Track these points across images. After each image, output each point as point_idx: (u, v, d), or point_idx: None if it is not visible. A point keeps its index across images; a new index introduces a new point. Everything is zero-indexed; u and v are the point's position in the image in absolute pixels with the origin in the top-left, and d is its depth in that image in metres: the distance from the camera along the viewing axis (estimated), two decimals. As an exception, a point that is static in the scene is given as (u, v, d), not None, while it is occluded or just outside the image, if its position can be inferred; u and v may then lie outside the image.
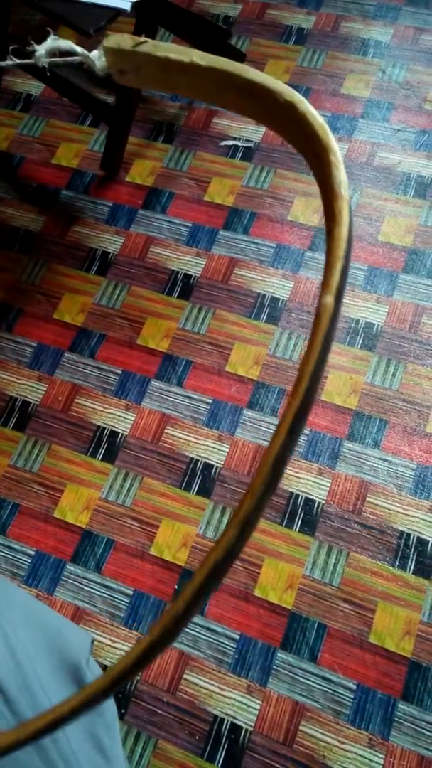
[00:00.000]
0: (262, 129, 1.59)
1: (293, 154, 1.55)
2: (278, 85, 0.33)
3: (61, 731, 0.71)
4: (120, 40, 0.39)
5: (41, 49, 0.52)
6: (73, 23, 1.21)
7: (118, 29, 1.77)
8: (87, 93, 1.49)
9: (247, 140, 1.59)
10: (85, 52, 0.46)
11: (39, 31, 1.69)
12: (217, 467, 1.25)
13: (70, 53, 0.47)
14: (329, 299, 0.28)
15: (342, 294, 0.29)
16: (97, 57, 0.45)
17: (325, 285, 0.28)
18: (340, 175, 0.30)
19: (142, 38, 0.39)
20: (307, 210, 1.48)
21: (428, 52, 1.63)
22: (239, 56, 1.66)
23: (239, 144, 1.58)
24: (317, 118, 0.32)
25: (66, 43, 0.47)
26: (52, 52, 0.48)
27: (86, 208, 1.56)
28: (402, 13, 1.69)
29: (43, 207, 1.58)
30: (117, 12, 1.23)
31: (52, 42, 0.48)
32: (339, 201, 0.30)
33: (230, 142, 1.59)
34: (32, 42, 0.48)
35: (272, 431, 1.25)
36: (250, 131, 1.60)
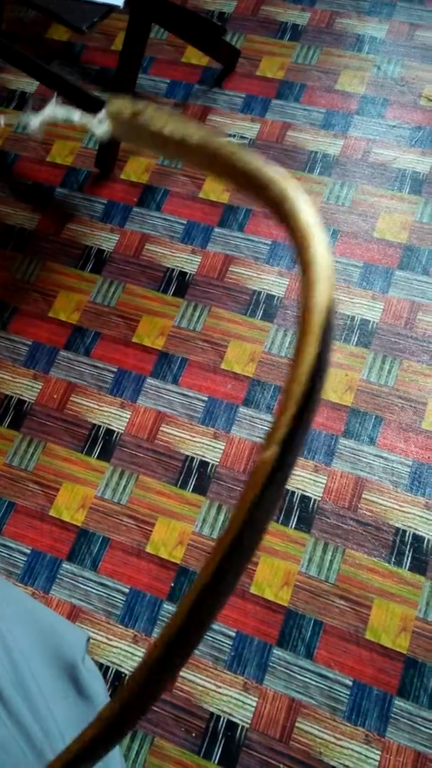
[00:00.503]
0: (257, 126, 1.59)
1: (288, 150, 1.55)
2: (270, 174, 0.32)
3: (55, 727, 0.70)
4: (121, 107, 0.40)
5: (35, 121, 0.51)
6: (65, 20, 1.21)
7: (112, 26, 1.77)
8: (81, 90, 1.48)
9: (242, 137, 1.58)
10: (84, 118, 0.46)
11: (33, 27, 1.69)
12: (212, 465, 1.25)
13: (69, 121, 0.47)
14: (268, 454, 0.26)
15: (294, 450, 0.27)
16: (97, 124, 0.45)
17: (269, 435, 0.26)
18: (320, 296, 0.27)
19: (142, 105, 0.39)
20: (302, 207, 1.47)
21: (423, 48, 1.63)
22: (233, 53, 1.66)
23: (234, 141, 1.58)
24: (307, 221, 0.29)
25: (62, 113, 0.47)
26: (48, 122, 0.48)
27: (81, 205, 1.56)
28: (397, 9, 1.69)
29: (38, 205, 1.57)
30: (110, 8, 1.23)
31: (50, 112, 0.47)
32: (312, 317, 0.27)
33: (225, 139, 1.58)
34: (28, 111, 0.47)
35: (268, 428, 1.25)
36: (245, 128, 1.59)
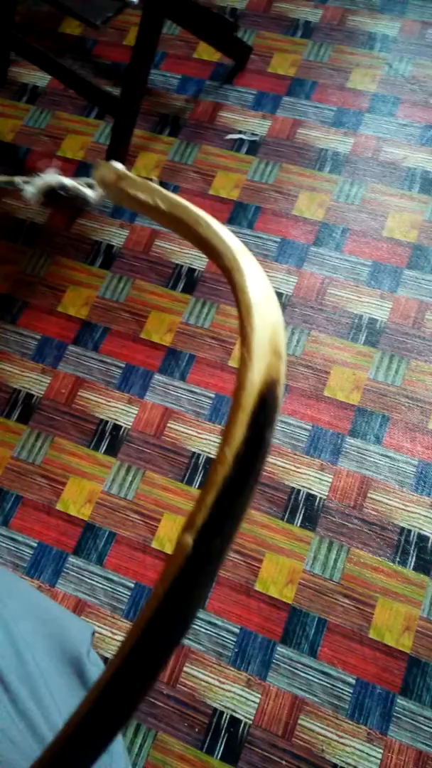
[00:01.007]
0: (268, 123, 1.59)
1: (299, 148, 1.55)
2: (224, 245, 0.31)
3: (61, 720, 0.71)
4: (105, 173, 0.43)
5: (31, 188, 0.54)
6: (80, 15, 1.21)
7: (124, 21, 1.77)
8: (93, 85, 1.48)
9: (253, 134, 1.58)
10: (77, 186, 0.49)
11: (46, 21, 1.69)
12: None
13: (63, 189, 0.50)
14: (184, 541, 0.24)
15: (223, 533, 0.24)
16: (90, 190, 0.48)
17: (189, 517, 0.24)
18: (255, 374, 0.26)
19: (123, 172, 0.42)
20: (312, 204, 1.47)
21: (436, 47, 1.62)
22: (245, 49, 1.65)
23: (245, 138, 1.58)
24: (249, 296, 0.28)
25: (56, 180, 0.50)
26: (44, 190, 0.51)
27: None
28: (409, 6, 1.68)
29: (48, 199, 1.57)
30: (124, 4, 1.23)
31: (44, 180, 0.50)
32: (243, 394, 0.25)
33: (236, 136, 1.58)
34: (21, 178, 0.50)
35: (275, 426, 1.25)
36: (255, 125, 1.59)
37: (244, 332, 0.27)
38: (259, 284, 0.29)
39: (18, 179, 0.49)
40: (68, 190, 0.50)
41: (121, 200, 0.46)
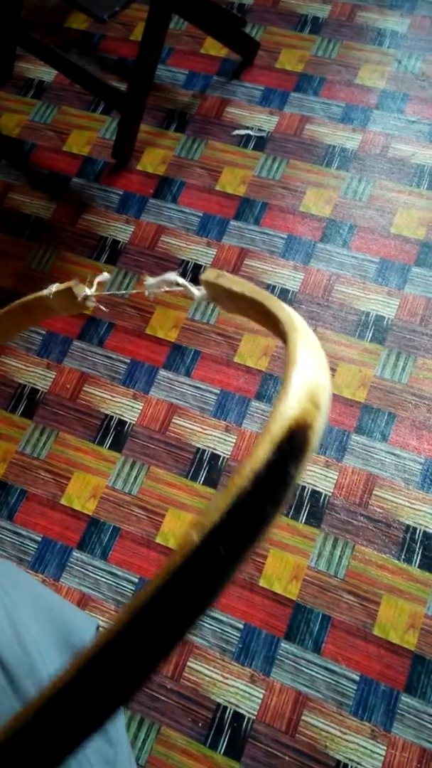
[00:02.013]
0: (276, 118, 1.58)
1: (306, 144, 1.54)
2: (284, 315, 0.36)
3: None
4: (209, 273, 0.50)
5: (152, 281, 0.61)
6: (87, 9, 1.21)
7: (131, 15, 1.77)
8: (99, 80, 1.48)
9: (260, 130, 1.58)
10: (187, 285, 0.57)
11: (52, 16, 1.69)
12: (223, 458, 1.25)
13: (177, 285, 0.58)
14: (190, 539, 0.23)
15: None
16: (195, 289, 0.57)
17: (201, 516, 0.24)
18: (283, 407, 0.27)
19: (223, 272, 0.51)
20: (319, 201, 1.47)
21: (444, 43, 1.62)
22: (253, 45, 1.65)
23: (252, 133, 1.57)
24: (298, 348, 0.31)
25: (173, 277, 0.60)
26: (159, 285, 0.58)
27: (97, 196, 1.56)
28: (419, 3, 1.67)
29: (54, 194, 1.57)
30: (131, -2, 1.22)
31: (163, 277, 0.57)
32: (275, 422, 0.26)
33: (243, 132, 1.58)
34: (146, 275, 0.63)
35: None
36: (263, 121, 1.58)
37: (287, 374, 0.29)
38: (313, 346, 0.31)
39: (151, 280, 0.60)
40: (179, 286, 0.59)
41: (218, 294, 0.52)
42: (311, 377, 0.29)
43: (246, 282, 0.47)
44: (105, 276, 0.95)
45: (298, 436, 0.26)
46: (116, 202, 1.54)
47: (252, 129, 1.58)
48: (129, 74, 1.68)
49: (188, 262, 1.45)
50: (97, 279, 0.97)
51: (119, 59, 1.74)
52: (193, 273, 1.43)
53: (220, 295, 0.55)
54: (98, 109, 1.68)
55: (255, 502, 0.25)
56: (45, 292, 1.14)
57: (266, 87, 1.63)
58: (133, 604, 0.24)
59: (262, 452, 0.25)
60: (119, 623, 0.24)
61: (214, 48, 1.71)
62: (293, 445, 0.26)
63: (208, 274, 0.53)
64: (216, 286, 0.55)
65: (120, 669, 0.24)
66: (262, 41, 1.69)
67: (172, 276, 0.62)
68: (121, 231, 1.51)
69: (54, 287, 1.04)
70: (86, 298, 1.04)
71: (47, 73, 1.75)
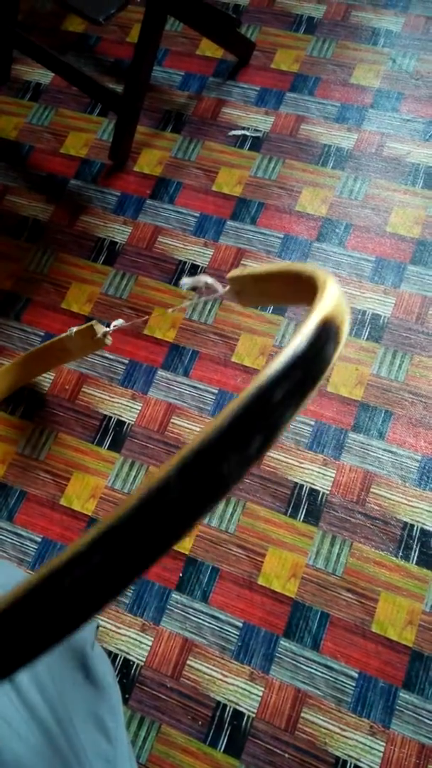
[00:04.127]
0: (271, 119, 1.59)
1: (302, 144, 1.55)
2: (319, 271, 0.42)
3: (65, 713, 0.72)
4: (236, 271, 0.63)
5: (188, 281, 0.79)
6: (82, 12, 1.21)
7: (127, 18, 1.77)
8: (96, 82, 1.49)
9: (256, 130, 1.58)
10: (216, 284, 0.73)
11: (48, 19, 1.70)
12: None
13: (207, 286, 0.74)
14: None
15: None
16: (221, 287, 0.74)
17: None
18: (321, 303, 0.33)
19: (248, 266, 0.72)
20: (315, 200, 1.47)
21: (439, 42, 1.62)
22: (248, 45, 1.65)
23: (248, 134, 1.58)
24: (330, 288, 0.37)
25: (206, 278, 0.75)
26: (195, 285, 0.76)
27: (94, 197, 1.56)
28: (413, 2, 1.68)
29: (52, 196, 1.58)
30: (127, 0, 1.23)
31: (199, 278, 0.75)
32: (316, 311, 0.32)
33: (239, 132, 1.59)
34: (185, 278, 0.79)
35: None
36: (258, 121, 1.59)
37: (323, 288, 0.36)
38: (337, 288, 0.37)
39: (187, 280, 0.81)
40: (210, 286, 0.77)
41: (244, 285, 0.66)
42: (341, 297, 0.35)
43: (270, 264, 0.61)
44: (120, 321, 1.09)
45: (333, 326, 0.32)
46: (113, 203, 1.55)
47: (248, 129, 1.59)
48: (125, 76, 1.68)
49: (185, 262, 1.45)
50: (114, 324, 1.10)
51: (116, 61, 1.75)
52: (190, 273, 1.44)
53: (245, 286, 0.68)
54: (95, 111, 1.69)
55: (300, 369, 0.29)
56: (66, 333, 1.28)
57: (262, 87, 1.64)
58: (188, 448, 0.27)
59: (307, 331, 0.30)
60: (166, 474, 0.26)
61: (209, 49, 1.72)
62: (329, 331, 0.31)
63: (233, 272, 0.68)
64: (241, 278, 0.68)
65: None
66: (258, 42, 1.69)
67: (204, 277, 0.76)
68: (119, 232, 1.51)
69: (75, 328, 1.21)
70: (105, 334, 1.19)
71: (44, 76, 1.76)
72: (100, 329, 1.12)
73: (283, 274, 0.55)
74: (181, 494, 0.26)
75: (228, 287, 0.81)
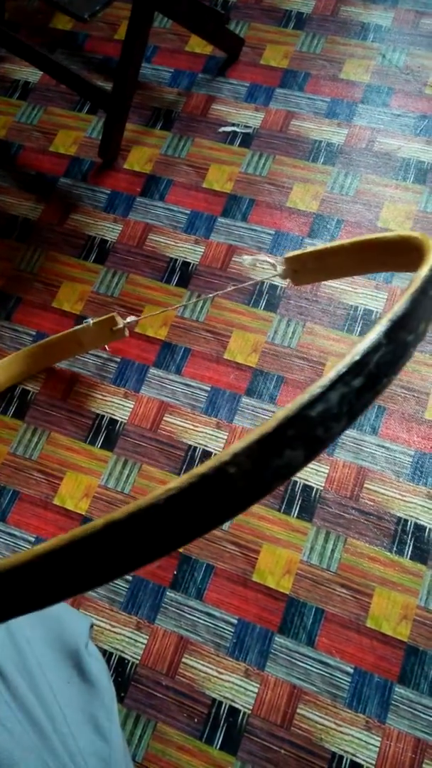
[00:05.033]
0: (261, 115, 1.58)
1: (292, 140, 1.54)
2: (414, 234, 0.50)
3: (59, 711, 0.71)
4: (293, 252, 0.72)
5: (249, 258, 0.95)
6: (67, 9, 1.21)
7: (115, 14, 1.77)
8: (84, 80, 1.48)
9: (246, 126, 1.58)
10: (272, 260, 0.83)
11: (36, 17, 1.69)
12: (215, 455, 1.26)
13: (266, 262, 0.87)
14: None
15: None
16: (279, 266, 0.83)
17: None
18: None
19: (309, 248, 0.76)
20: (306, 196, 1.47)
21: (429, 36, 1.62)
22: (237, 41, 1.65)
23: (238, 130, 1.57)
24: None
25: (264, 257, 0.87)
26: (254, 262, 1.04)
27: (84, 195, 1.56)
28: (402, -4, 1.67)
29: (42, 195, 1.57)
30: (113, -3, 1.22)
31: (257, 256, 0.92)
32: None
33: (229, 128, 1.58)
34: (245, 255, 0.95)
35: (271, 418, 1.25)
36: (248, 117, 1.59)
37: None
38: None
39: (247, 257, 0.98)
40: (268, 263, 0.89)
41: (304, 263, 0.75)
42: None
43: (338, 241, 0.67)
44: (133, 318, 1.23)
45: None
46: (104, 201, 1.54)
47: (238, 126, 1.58)
48: (114, 73, 1.67)
49: (176, 260, 1.45)
50: (128, 319, 1.22)
51: (104, 58, 1.74)
52: (181, 271, 1.43)
53: (305, 264, 0.76)
54: (84, 108, 1.68)
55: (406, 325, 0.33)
56: (83, 325, 1.35)
57: (251, 83, 1.63)
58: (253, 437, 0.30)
59: (406, 296, 0.34)
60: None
61: (198, 45, 1.71)
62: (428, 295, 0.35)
63: (291, 252, 0.76)
64: (300, 257, 0.75)
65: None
66: (247, 38, 1.69)
67: (263, 256, 0.89)
68: (109, 230, 1.51)
69: (93, 319, 1.29)
70: (126, 325, 1.27)
71: (32, 74, 1.75)
72: (120, 320, 1.19)
73: (363, 246, 0.64)
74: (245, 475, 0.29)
75: (285, 267, 0.92)
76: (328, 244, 0.70)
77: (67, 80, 1.52)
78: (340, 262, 0.73)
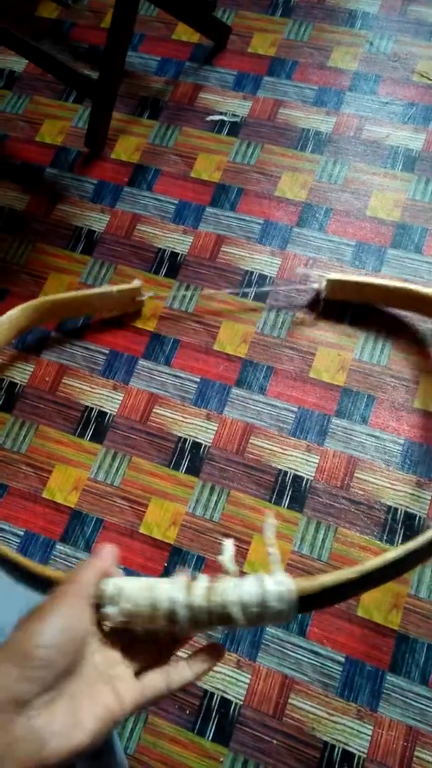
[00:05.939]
0: (249, 103, 1.57)
1: (280, 128, 1.53)
2: None
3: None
4: (337, 275, 0.98)
5: (303, 270, 1.18)
6: (51, -6, 1.19)
7: (102, 2, 1.75)
8: (70, 68, 1.46)
9: (234, 115, 1.56)
10: (316, 274, 1.10)
11: (21, 5, 1.66)
12: (205, 446, 1.25)
13: (313, 279, 1.13)
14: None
15: None
16: (324, 282, 1.16)
17: None
18: None
19: (353, 275, 1.08)
20: (295, 185, 1.46)
21: (416, 23, 1.61)
22: (224, 29, 1.63)
23: (225, 119, 1.56)
24: None
25: (315, 272, 1.13)
26: (306, 276, 1.14)
27: (71, 186, 1.54)
28: (390, -18, 1.66)
29: (27, 185, 1.56)
30: (97, -18, 1.20)
31: (308, 271, 1.18)
32: None
33: (217, 117, 1.57)
34: (300, 267, 1.28)
35: (260, 409, 1.25)
36: (236, 105, 1.57)
37: None
38: None
39: (300, 269, 1.27)
40: (310, 278, 1.21)
41: (340, 291, 1.02)
42: None
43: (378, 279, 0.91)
44: (150, 293, 1.31)
45: None
46: (91, 191, 1.53)
47: (226, 114, 1.57)
48: (100, 61, 1.65)
49: (165, 250, 1.44)
50: (147, 294, 1.31)
51: (90, 47, 1.72)
52: (170, 261, 1.42)
53: (344, 288, 1.01)
54: (70, 98, 1.66)
55: None
56: (105, 289, 1.40)
57: (239, 71, 1.62)
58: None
59: None
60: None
61: (185, 33, 1.69)
62: None
63: (335, 275, 0.97)
64: (343, 282, 0.98)
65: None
66: (234, 26, 1.67)
67: (313, 271, 1.10)
68: (97, 220, 1.49)
69: (116, 287, 1.35)
70: (149, 297, 1.31)
71: (18, 63, 1.73)
72: (146, 292, 1.31)
73: (398, 292, 0.96)
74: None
75: (325, 283, 1.14)
76: (373, 280, 0.96)
77: (52, 69, 1.50)
78: (375, 294, 0.96)
